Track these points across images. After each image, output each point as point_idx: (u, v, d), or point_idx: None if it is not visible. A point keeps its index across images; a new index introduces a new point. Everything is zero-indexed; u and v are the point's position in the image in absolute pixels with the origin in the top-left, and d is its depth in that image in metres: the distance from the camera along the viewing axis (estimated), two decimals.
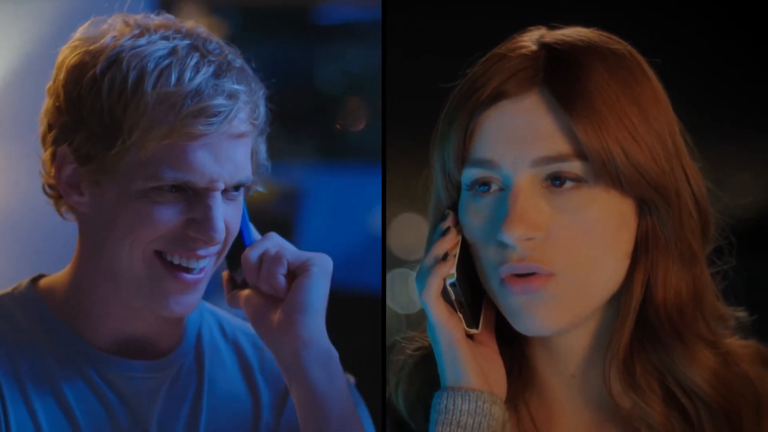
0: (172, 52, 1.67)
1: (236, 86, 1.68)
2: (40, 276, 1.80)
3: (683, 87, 1.60)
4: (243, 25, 3.15)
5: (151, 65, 1.66)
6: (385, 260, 2.32)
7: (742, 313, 1.62)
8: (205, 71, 1.67)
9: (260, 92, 1.73)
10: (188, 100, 1.65)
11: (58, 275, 1.78)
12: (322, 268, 1.74)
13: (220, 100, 1.66)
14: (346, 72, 3.23)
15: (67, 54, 1.72)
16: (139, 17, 1.73)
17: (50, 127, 1.72)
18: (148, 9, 1.78)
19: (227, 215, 1.70)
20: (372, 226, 3.19)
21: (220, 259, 1.75)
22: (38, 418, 1.71)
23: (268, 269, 1.73)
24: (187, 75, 1.66)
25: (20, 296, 1.77)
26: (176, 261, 1.70)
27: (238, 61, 1.72)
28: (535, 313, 1.53)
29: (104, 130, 1.67)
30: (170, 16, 1.74)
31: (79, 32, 1.73)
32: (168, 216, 1.67)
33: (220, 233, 1.68)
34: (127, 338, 1.75)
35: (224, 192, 1.70)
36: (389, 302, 2.45)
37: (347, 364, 1.82)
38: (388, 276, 2.50)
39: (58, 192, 1.73)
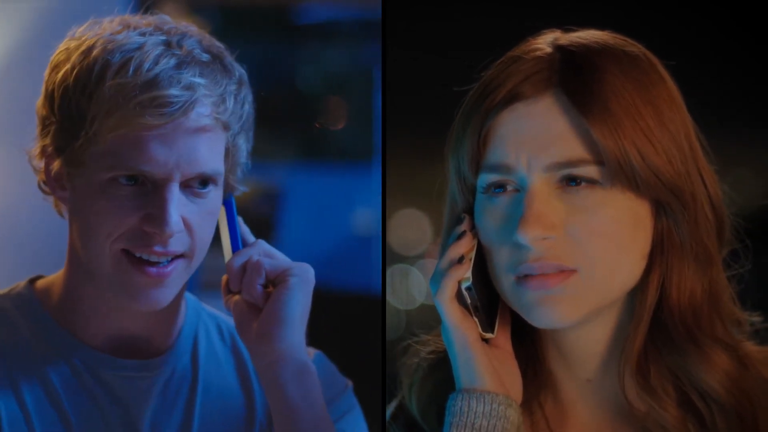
0: (141, 46, 1.67)
1: (195, 79, 1.67)
2: (38, 277, 1.80)
3: (698, 89, 1.60)
4: (224, 24, 3.14)
5: (116, 58, 1.66)
6: (385, 258, 2.31)
7: (757, 318, 1.62)
8: (165, 63, 1.67)
9: (230, 87, 1.72)
10: (141, 89, 1.65)
11: (54, 276, 1.79)
12: (301, 278, 1.73)
13: (174, 91, 1.65)
14: (327, 71, 3.23)
15: (56, 52, 1.73)
16: (130, 16, 1.74)
17: (38, 123, 1.73)
18: (129, 9, 1.78)
19: (190, 212, 1.69)
20: (357, 225, 3.19)
21: (194, 261, 1.73)
22: (31, 417, 1.71)
23: (248, 278, 1.72)
24: (146, 66, 1.66)
25: (17, 296, 1.78)
26: (138, 254, 1.69)
27: (206, 56, 1.71)
28: (551, 308, 1.53)
29: (71, 122, 1.69)
30: (165, 17, 1.74)
31: (78, 32, 1.74)
32: (125, 210, 1.67)
33: (173, 226, 1.67)
34: (119, 337, 1.75)
35: (188, 187, 1.69)
36: (388, 298, 2.44)
37: (342, 364, 1.82)
38: (387, 272, 2.50)
39: (50, 189, 1.75)
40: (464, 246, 1.57)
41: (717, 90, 2.14)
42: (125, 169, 1.66)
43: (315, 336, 1.77)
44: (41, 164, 1.74)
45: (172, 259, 1.71)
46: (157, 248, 1.69)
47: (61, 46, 1.73)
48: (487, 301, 1.58)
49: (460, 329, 1.56)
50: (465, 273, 1.56)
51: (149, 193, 1.67)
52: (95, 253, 1.69)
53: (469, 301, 1.56)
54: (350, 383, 1.84)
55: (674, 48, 1.62)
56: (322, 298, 1.79)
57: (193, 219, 1.70)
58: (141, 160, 1.66)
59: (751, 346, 1.61)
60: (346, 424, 1.80)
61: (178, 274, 1.72)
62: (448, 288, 1.56)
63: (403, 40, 2.17)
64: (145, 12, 1.77)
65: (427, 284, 1.62)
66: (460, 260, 1.56)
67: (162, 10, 2.79)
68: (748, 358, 1.58)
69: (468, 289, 1.56)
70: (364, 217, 3.21)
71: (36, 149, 1.75)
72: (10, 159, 1.88)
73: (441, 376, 1.63)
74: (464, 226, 1.59)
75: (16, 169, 1.82)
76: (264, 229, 3.15)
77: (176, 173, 1.67)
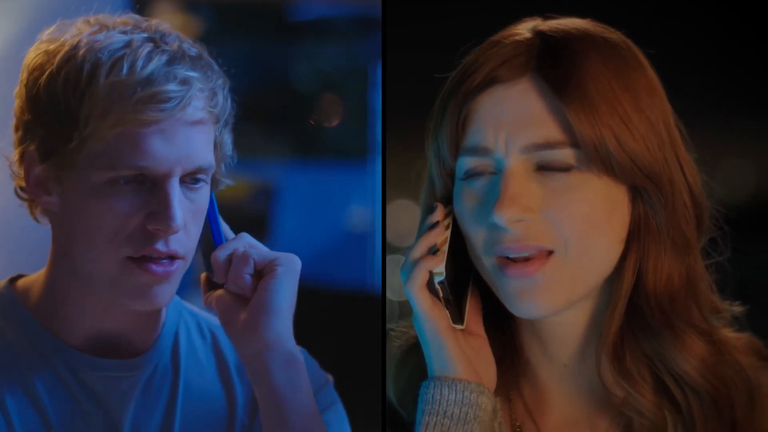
0: (128, 44, 1.67)
1: (190, 73, 1.66)
2: (19, 276, 1.80)
3: (681, 77, 1.61)
4: (218, 22, 3.15)
5: (105, 57, 1.65)
6: (385, 255, 2.31)
7: (738, 308, 1.62)
8: (158, 59, 1.66)
9: (219, 81, 1.71)
10: (139, 87, 1.64)
11: (35, 275, 1.77)
12: (288, 267, 1.71)
13: (171, 86, 1.64)
14: (322, 69, 3.23)
15: (30, 55, 1.72)
16: (102, 17, 1.73)
17: (17, 128, 1.73)
18: (123, 7, 1.78)
19: (186, 209, 1.69)
20: (352, 222, 3.20)
21: (188, 261, 1.73)
22: (10, 417, 1.70)
23: (235, 269, 1.72)
24: (140, 64, 1.65)
25: None
26: (140, 254, 1.68)
27: (194, 50, 1.71)
28: (532, 298, 1.53)
29: (62, 124, 1.66)
30: (134, 15, 1.74)
31: (46, 34, 1.73)
32: (127, 211, 1.66)
33: (179, 222, 1.66)
34: (101, 336, 1.74)
35: (183, 183, 1.69)
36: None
37: (339, 360, 1.81)
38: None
39: (31, 194, 1.73)
40: (435, 236, 1.58)
41: (700, 78, 2.15)
42: (125, 168, 1.65)
43: (310, 332, 1.77)
44: (20, 170, 1.73)
45: (173, 257, 1.70)
46: (159, 246, 1.68)
47: (35, 49, 1.71)
48: (457, 292, 1.58)
49: (431, 317, 1.56)
50: (438, 265, 1.56)
51: (150, 191, 1.67)
52: (97, 257, 1.68)
53: (441, 294, 1.56)
54: (331, 378, 1.83)
55: (656, 36, 1.62)
56: (317, 295, 1.79)
57: (187, 217, 1.70)
58: (141, 157, 1.65)
59: (728, 333, 1.61)
60: (328, 417, 1.79)
61: (179, 273, 1.72)
62: (419, 277, 1.56)
63: (403, 36, 2.18)
64: (139, 13, 1.77)
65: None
66: (434, 251, 1.57)
67: (157, 9, 2.81)
68: (724, 344, 1.58)
69: (441, 283, 1.56)
70: (359, 214, 3.22)
71: (15, 155, 1.74)
72: None
73: (415, 363, 1.63)
74: (436, 216, 1.59)
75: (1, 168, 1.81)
76: (259, 226, 3.16)
77: (177, 168, 1.66)
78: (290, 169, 3.27)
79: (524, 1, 1.77)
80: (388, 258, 2.34)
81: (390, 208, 2.25)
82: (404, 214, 2.29)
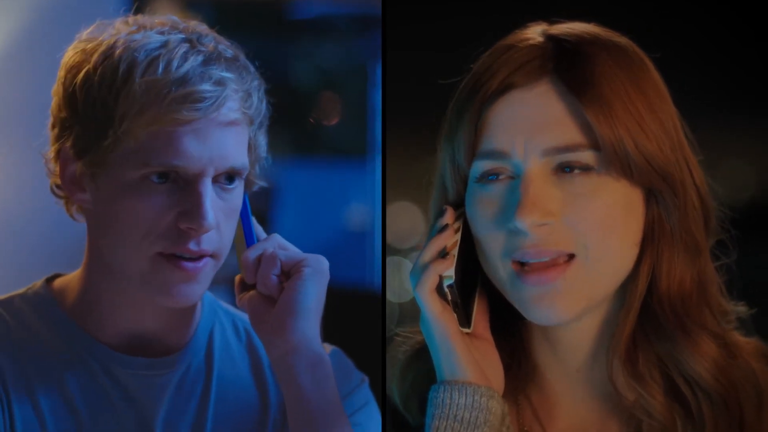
0: (164, 44, 1.68)
1: (225, 74, 1.68)
2: (56, 276, 1.81)
3: (685, 80, 1.61)
4: (217, 21, 3.14)
5: (141, 56, 1.67)
6: (385, 254, 2.31)
7: (742, 308, 1.62)
8: (194, 60, 1.67)
9: (254, 83, 1.73)
10: (174, 86, 1.66)
11: (71, 275, 1.79)
12: (314, 269, 1.72)
13: (206, 86, 1.66)
14: (321, 67, 3.23)
15: (68, 54, 1.75)
16: (140, 17, 1.75)
17: (53, 126, 1.74)
18: (122, 6, 1.79)
19: (219, 209, 1.69)
20: (352, 220, 3.20)
21: (220, 261, 1.74)
22: (43, 415, 1.71)
23: (263, 270, 1.73)
24: (175, 63, 1.66)
25: (33, 296, 1.78)
26: (170, 252, 1.69)
27: (230, 52, 1.72)
28: (551, 304, 1.53)
29: (97, 121, 1.68)
30: (174, 17, 1.75)
31: (84, 34, 1.74)
32: (159, 209, 1.67)
33: (210, 221, 1.67)
34: (135, 335, 1.75)
35: (216, 183, 1.70)
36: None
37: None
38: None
39: (66, 192, 1.75)
40: (445, 240, 1.58)
41: (700, 79, 2.15)
42: (159, 166, 1.66)
43: None
44: (56, 167, 1.75)
45: (203, 256, 1.71)
46: (192, 246, 1.68)
47: (73, 48, 1.74)
48: (465, 295, 1.58)
49: (441, 321, 1.56)
50: (447, 269, 1.56)
51: (182, 190, 1.68)
52: (129, 254, 1.69)
53: (449, 297, 1.56)
54: (366, 378, 1.84)
55: (656, 36, 1.63)
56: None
57: (220, 216, 1.71)
58: (175, 156, 1.66)
59: (738, 336, 1.61)
60: (360, 418, 1.80)
61: (208, 271, 1.72)
62: (429, 281, 1.56)
63: (403, 36, 2.18)
64: (138, 10, 1.78)
65: None
66: (443, 255, 1.57)
67: (156, 7, 2.81)
68: (736, 347, 1.59)
69: (450, 286, 1.56)
70: (359, 213, 3.22)
71: (51, 152, 1.75)
72: (27, 158, 1.88)
73: (419, 367, 1.64)
74: (446, 219, 1.59)
75: (29, 168, 1.82)
76: (258, 224, 3.16)
77: (209, 168, 1.67)
78: (289, 168, 3.26)
79: (524, 2, 1.77)
80: (388, 259, 2.34)
81: (390, 210, 2.25)
82: (404, 215, 2.29)
